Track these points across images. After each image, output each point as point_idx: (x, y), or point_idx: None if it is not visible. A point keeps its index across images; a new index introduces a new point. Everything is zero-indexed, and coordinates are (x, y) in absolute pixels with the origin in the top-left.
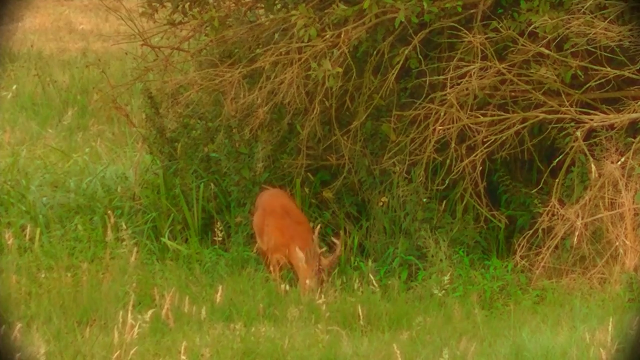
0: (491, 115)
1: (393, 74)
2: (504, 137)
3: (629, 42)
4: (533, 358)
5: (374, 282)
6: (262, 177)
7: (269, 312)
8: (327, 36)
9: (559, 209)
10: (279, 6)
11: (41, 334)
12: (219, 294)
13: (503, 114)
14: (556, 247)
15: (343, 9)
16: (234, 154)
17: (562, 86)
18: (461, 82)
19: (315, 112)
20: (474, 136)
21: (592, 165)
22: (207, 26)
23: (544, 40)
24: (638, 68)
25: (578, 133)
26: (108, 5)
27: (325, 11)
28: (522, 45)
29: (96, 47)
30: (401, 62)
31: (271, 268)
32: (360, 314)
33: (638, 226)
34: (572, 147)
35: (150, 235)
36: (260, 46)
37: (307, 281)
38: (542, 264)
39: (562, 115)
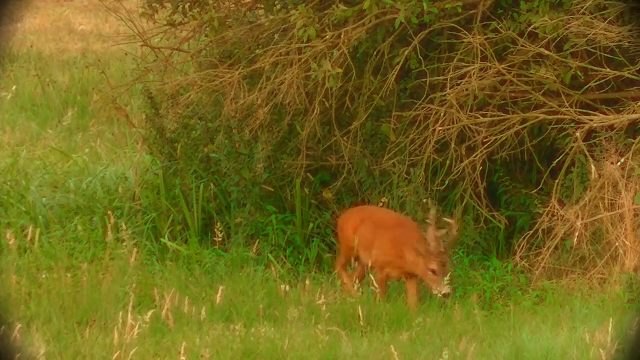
0: (491, 116)
1: (393, 74)
2: (504, 138)
3: (629, 43)
4: (533, 359)
5: (374, 282)
6: (262, 178)
7: (269, 313)
8: (327, 37)
9: (559, 209)
10: (279, 7)
11: (41, 334)
12: (219, 294)
13: (503, 114)
14: (556, 247)
15: (343, 10)
16: (234, 154)
17: (562, 87)
18: (461, 82)
19: (315, 112)
20: (474, 137)
21: (592, 166)
22: (207, 27)
23: (544, 41)
24: (638, 69)
25: (578, 134)
26: (108, 6)
27: (325, 12)
28: (522, 46)
29: (96, 48)
30: (401, 63)
31: (378, 283)
32: (361, 314)
33: (638, 227)
34: (572, 148)
35: (150, 236)
36: (261, 47)
37: (438, 289)
38: (542, 264)
39: (562, 116)
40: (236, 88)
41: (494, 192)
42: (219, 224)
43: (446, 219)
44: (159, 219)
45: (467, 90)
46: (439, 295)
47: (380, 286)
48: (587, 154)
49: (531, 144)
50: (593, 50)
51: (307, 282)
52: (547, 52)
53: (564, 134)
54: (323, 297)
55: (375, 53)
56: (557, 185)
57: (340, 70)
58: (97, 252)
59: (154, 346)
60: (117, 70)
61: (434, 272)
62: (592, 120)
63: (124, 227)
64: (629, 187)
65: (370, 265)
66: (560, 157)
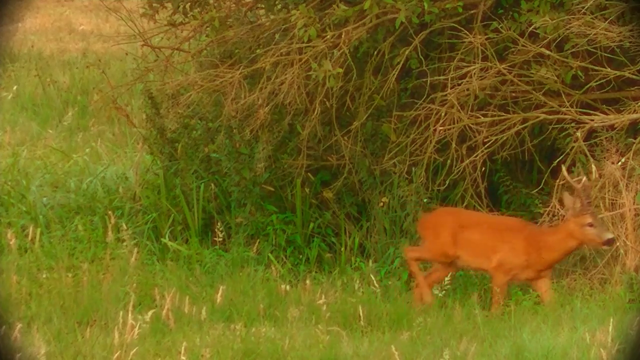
0: (492, 116)
1: (393, 74)
2: (505, 138)
3: (630, 42)
4: (533, 358)
5: (374, 282)
6: (262, 178)
7: (269, 313)
8: (328, 37)
9: (560, 209)
10: (279, 6)
11: (41, 334)
12: (219, 294)
13: (503, 114)
14: None
15: (343, 10)
16: (234, 154)
17: (563, 87)
18: (462, 82)
19: (315, 112)
20: (475, 136)
21: (593, 166)
22: (207, 27)
23: (545, 41)
24: (638, 69)
25: (578, 133)
26: (108, 6)
27: (326, 11)
28: (523, 45)
29: (96, 48)
30: (402, 63)
31: (500, 287)
32: (361, 314)
33: (639, 227)
34: (573, 147)
35: (151, 236)
36: (261, 47)
37: (601, 238)
38: None
39: (562, 116)
40: (236, 88)
41: (494, 191)
42: (219, 223)
43: (576, 179)
44: (159, 219)
45: (467, 90)
46: (603, 244)
47: (502, 291)
48: (588, 153)
49: (532, 144)
50: (593, 50)
51: (308, 281)
52: (547, 52)
53: (564, 133)
54: (323, 296)
55: (375, 53)
56: (558, 184)
57: (341, 70)
58: (97, 252)
59: (154, 346)
60: (117, 70)
61: (591, 225)
62: (592, 120)
63: (124, 226)
64: (629, 186)
65: (484, 269)
66: (561, 157)
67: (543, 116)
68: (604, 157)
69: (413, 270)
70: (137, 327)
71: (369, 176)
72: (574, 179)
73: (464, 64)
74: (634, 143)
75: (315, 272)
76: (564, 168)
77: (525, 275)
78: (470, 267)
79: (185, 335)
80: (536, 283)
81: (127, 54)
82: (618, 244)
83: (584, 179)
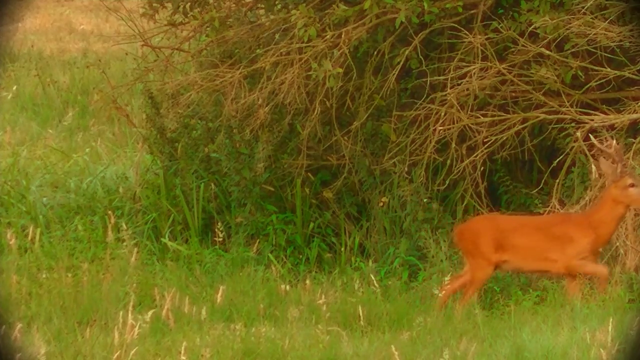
0: (491, 116)
1: (393, 74)
2: (505, 138)
3: (629, 42)
4: (533, 358)
5: (374, 282)
6: (262, 178)
7: (269, 313)
8: (328, 36)
9: (560, 209)
10: (279, 6)
11: (41, 334)
12: (219, 294)
13: (503, 114)
14: None
15: (343, 9)
16: (234, 154)
17: (563, 87)
18: (461, 82)
19: (315, 112)
20: (475, 136)
21: (593, 166)
22: (207, 27)
23: (545, 41)
24: (638, 68)
25: (578, 133)
26: (108, 6)
27: (326, 11)
28: (523, 45)
29: (96, 48)
30: (402, 63)
31: (574, 284)
32: (361, 314)
33: (638, 227)
34: (573, 147)
35: (151, 236)
36: (261, 46)
37: None
38: None
39: (562, 116)
40: (236, 87)
41: (494, 191)
42: (219, 223)
43: (607, 144)
44: (159, 219)
45: (467, 89)
46: None
47: (592, 270)
48: (588, 153)
49: (531, 144)
50: (593, 50)
51: (307, 281)
52: (547, 52)
53: (564, 133)
54: (323, 296)
55: (375, 52)
56: (558, 184)
57: (341, 70)
58: (97, 252)
59: (154, 346)
60: (117, 69)
61: (632, 185)
62: (592, 120)
63: (124, 226)
64: None
65: (544, 271)
66: (561, 157)
67: (543, 116)
68: (604, 157)
69: (445, 299)
70: (137, 327)
71: (369, 176)
72: (604, 145)
73: (464, 63)
74: (633, 143)
75: (315, 272)
76: (592, 137)
77: (592, 258)
78: (523, 270)
79: (185, 335)
80: (570, 280)
81: (127, 54)
82: (618, 244)
83: (614, 142)
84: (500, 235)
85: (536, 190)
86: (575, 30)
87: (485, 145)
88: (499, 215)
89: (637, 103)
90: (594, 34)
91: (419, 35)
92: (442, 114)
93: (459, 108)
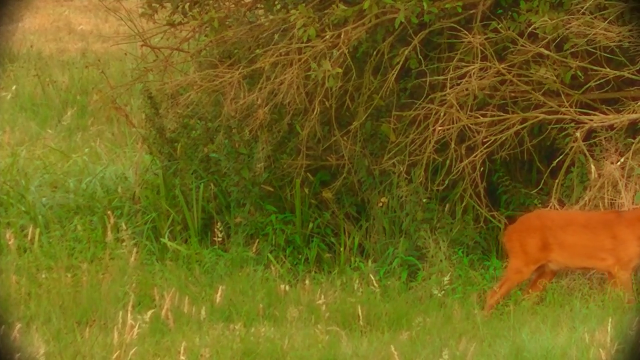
0: (491, 116)
1: (393, 74)
2: (504, 138)
3: (629, 42)
4: (533, 358)
5: (373, 282)
6: (261, 178)
7: (269, 313)
8: (327, 36)
9: (559, 209)
10: (278, 6)
11: (41, 334)
12: (218, 294)
13: (503, 114)
14: None
15: (343, 10)
16: (233, 154)
17: (562, 87)
18: (461, 82)
19: (315, 112)
20: (474, 136)
21: (592, 166)
22: (206, 27)
23: (544, 41)
24: (638, 69)
25: (578, 133)
26: (108, 6)
27: (325, 11)
28: (522, 45)
29: (96, 48)
30: (401, 63)
31: (625, 285)
32: (360, 314)
33: None
34: (572, 147)
35: (150, 236)
36: (260, 47)
37: None
38: None
39: (561, 116)
40: (236, 88)
41: (493, 191)
42: (218, 223)
43: None
44: (159, 219)
45: (466, 89)
46: None
47: (628, 286)
48: (587, 153)
49: (531, 144)
50: (593, 50)
51: (307, 281)
52: (547, 52)
53: (563, 133)
54: (322, 296)
55: (375, 53)
56: (557, 184)
57: (340, 70)
58: (96, 252)
59: (154, 346)
60: (116, 70)
61: None
62: (591, 120)
63: (124, 226)
64: (628, 186)
65: (594, 269)
66: (560, 157)
67: (542, 116)
68: (603, 157)
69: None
70: (136, 327)
71: (368, 176)
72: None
73: (463, 63)
74: (633, 143)
75: (315, 272)
76: None
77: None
78: (570, 268)
79: (184, 335)
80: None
81: (126, 54)
82: None
83: None
84: (548, 233)
85: (535, 190)
86: (574, 31)
87: (485, 146)
88: (546, 211)
89: (636, 103)
90: (594, 34)
91: (419, 35)
92: (442, 114)
93: (458, 108)
